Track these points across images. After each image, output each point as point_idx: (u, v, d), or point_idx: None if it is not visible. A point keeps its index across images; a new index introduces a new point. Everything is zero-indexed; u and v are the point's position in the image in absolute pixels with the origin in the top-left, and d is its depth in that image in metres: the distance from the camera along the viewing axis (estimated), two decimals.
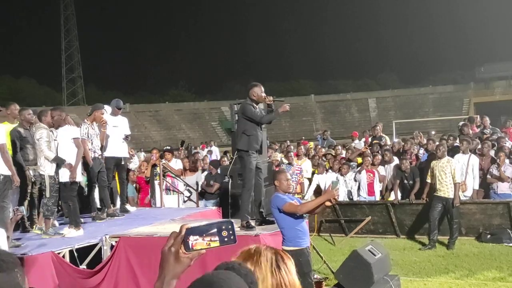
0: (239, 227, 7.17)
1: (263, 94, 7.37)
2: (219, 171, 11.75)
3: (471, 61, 74.96)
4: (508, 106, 56.43)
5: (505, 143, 12.35)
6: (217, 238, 1.58)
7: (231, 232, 1.59)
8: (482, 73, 65.64)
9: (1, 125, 7.74)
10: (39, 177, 7.71)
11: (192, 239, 1.57)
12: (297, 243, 6.04)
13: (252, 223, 7.23)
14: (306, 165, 12.93)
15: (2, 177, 7.08)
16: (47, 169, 7.64)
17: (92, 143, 8.66)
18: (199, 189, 11.55)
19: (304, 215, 8.57)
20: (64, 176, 7.90)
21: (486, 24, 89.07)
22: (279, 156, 13.53)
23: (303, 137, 33.88)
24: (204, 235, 1.58)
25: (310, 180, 12.51)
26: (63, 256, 6.86)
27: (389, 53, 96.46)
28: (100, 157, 8.80)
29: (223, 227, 1.59)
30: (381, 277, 6.79)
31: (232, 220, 1.66)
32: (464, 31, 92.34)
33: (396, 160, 12.06)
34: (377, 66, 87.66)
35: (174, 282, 1.58)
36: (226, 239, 1.58)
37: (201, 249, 1.58)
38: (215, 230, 1.59)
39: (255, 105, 7.38)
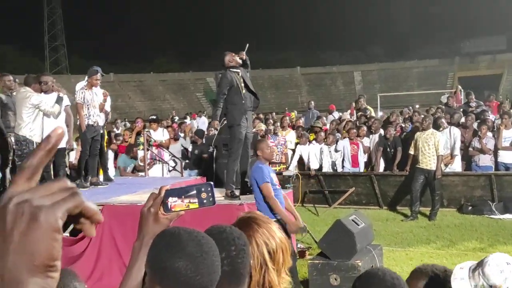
0: (223, 196, 7.18)
1: (236, 58, 7.34)
2: (204, 141, 11.71)
3: (456, 36, 75.00)
4: (492, 80, 56.78)
5: (488, 116, 12.44)
6: (196, 200, 1.57)
7: (210, 194, 1.57)
8: (467, 47, 65.80)
9: None
10: (20, 142, 7.54)
11: (171, 200, 1.56)
12: (271, 215, 6.04)
13: (237, 192, 7.23)
14: (290, 136, 12.93)
15: None
16: (35, 135, 7.52)
17: (88, 109, 8.53)
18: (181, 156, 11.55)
19: (287, 186, 8.65)
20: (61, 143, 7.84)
21: None
22: (263, 126, 13.51)
23: (286, 108, 33.90)
24: (183, 196, 1.56)
25: (293, 150, 12.52)
26: None
27: (375, 26, 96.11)
28: (94, 124, 8.65)
29: (203, 189, 1.57)
30: (364, 247, 6.84)
31: (212, 183, 1.64)
32: (450, 5, 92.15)
33: (381, 132, 12.10)
34: (364, 39, 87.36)
35: None
36: (205, 201, 1.57)
37: (180, 210, 1.57)
38: (194, 192, 1.57)
39: (236, 70, 7.33)
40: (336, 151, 12.00)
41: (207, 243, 1.63)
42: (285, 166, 12.00)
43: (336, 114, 15.61)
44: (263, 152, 6.30)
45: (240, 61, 7.35)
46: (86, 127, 8.49)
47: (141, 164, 10.98)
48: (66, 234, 7.05)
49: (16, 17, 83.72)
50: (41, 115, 7.61)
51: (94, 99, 8.65)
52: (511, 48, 63.51)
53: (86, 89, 8.58)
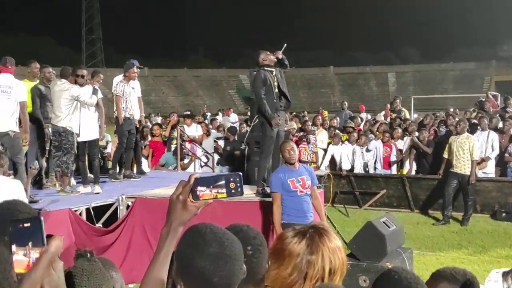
0: (254, 193, 7.21)
1: (271, 56, 7.34)
2: (236, 137, 11.77)
3: (493, 39, 73.68)
4: None
5: None
6: (224, 190, 1.60)
7: (238, 184, 1.60)
8: (505, 51, 64.57)
9: (24, 83, 7.78)
10: (58, 134, 7.67)
11: (200, 189, 1.59)
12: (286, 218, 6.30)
13: (268, 190, 7.24)
14: (322, 135, 12.87)
15: (14, 133, 7.14)
16: (74, 126, 7.66)
17: (125, 102, 8.65)
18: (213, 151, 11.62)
19: (317, 186, 8.64)
20: (93, 134, 7.99)
21: (509, 1, 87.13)
22: (295, 125, 13.45)
23: (321, 108, 33.70)
24: (212, 186, 1.59)
25: (325, 150, 12.46)
26: (80, 214, 6.96)
27: (410, 27, 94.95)
28: (131, 117, 8.78)
29: (231, 179, 1.60)
30: (394, 249, 6.79)
31: (240, 173, 1.65)
32: (486, 8, 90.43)
33: (416, 134, 11.98)
34: (398, 40, 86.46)
35: (180, 229, 1.62)
36: (233, 191, 1.60)
37: (208, 199, 1.59)
38: (223, 182, 1.60)
39: (270, 69, 7.32)
40: (367, 151, 11.92)
41: (230, 245, 1.67)
42: (315, 165, 11.97)
43: (364, 115, 15.43)
44: (283, 155, 6.43)
45: (275, 60, 7.35)
46: (123, 120, 8.62)
47: (185, 163, 11.06)
48: (99, 225, 7.20)
49: (54, 10, 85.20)
50: (79, 107, 7.74)
51: (131, 93, 8.78)
52: None
53: (124, 83, 8.72)
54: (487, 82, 61.03)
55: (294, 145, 6.60)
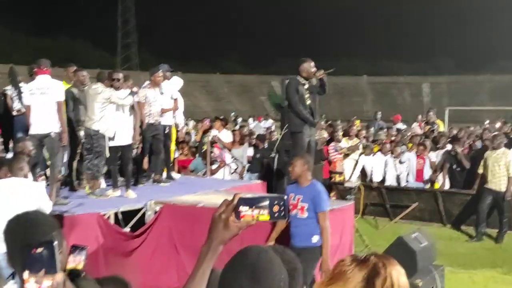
0: None
1: (313, 69, 7.21)
2: (266, 145, 11.68)
3: None
4: None
5: None
6: (267, 212, 1.58)
7: (282, 208, 1.58)
8: None
9: (61, 83, 7.85)
10: (90, 137, 7.71)
11: (243, 209, 1.58)
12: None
13: None
14: (343, 143, 12.58)
15: (55, 134, 7.20)
16: (107, 130, 7.68)
17: (150, 107, 8.64)
18: (246, 162, 11.49)
19: (347, 197, 8.46)
20: (127, 138, 8.00)
21: None
22: (325, 134, 13.26)
23: (355, 117, 33.30)
24: (255, 207, 1.58)
25: (356, 161, 12.24)
26: (108, 218, 6.96)
27: (445, 37, 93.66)
28: (155, 122, 8.76)
29: (275, 202, 1.58)
30: (426, 266, 6.62)
31: (286, 196, 1.64)
32: None
33: (448, 148, 11.72)
34: (432, 50, 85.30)
35: (220, 248, 1.62)
36: (276, 215, 1.57)
37: (251, 220, 1.59)
38: (267, 203, 1.58)
39: (304, 81, 7.22)
40: (400, 163, 11.70)
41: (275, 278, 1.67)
42: (342, 178, 11.80)
43: (401, 125, 15.11)
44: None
45: (314, 75, 7.20)
46: (147, 125, 8.60)
47: (214, 169, 11.01)
48: (127, 229, 7.20)
49: (90, 13, 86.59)
50: (113, 111, 7.77)
51: (157, 98, 8.74)
52: None
53: (149, 87, 8.70)
54: None
55: (301, 161, 5.88)
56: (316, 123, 7.40)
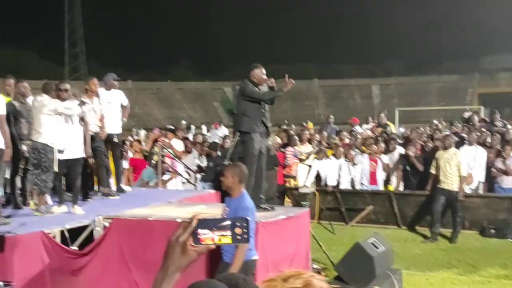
0: None
1: (264, 76, 7.05)
2: (219, 153, 11.47)
3: (476, 52, 74.24)
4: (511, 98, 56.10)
5: None
6: (229, 234, 1.46)
7: (245, 230, 1.46)
8: (487, 63, 65.08)
9: (2, 97, 7.46)
10: (38, 150, 7.32)
11: (202, 232, 1.46)
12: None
13: None
14: (306, 149, 12.57)
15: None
16: (55, 143, 7.32)
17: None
18: (196, 170, 11.28)
19: (303, 203, 8.35)
20: (77, 151, 7.63)
21: (491, 14, 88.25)
22: (278, 139, 13.16)
23: (307, 121, 33.45)
24: (215, 229, 1.46)
25: (310, 166, 12.17)
26: (54, 237, 6.61)
27: (393, 40, 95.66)
28: (94, 134, 8.41)
29: (238, 223, 1.47)
30: (383, 271, 6.55)
31: (248, 218, 1.50)
32: (469, 21, 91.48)
33: (400, 149, 11.77)
34: (381, 52, 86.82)
35: (177, 275, 1.49)
36: (238, 237, 1.46)
37: (211, 244, 1.47)
38: (228, 225, 1.46)
39: (255, 86, 7.07)
40: (353, 166, 11.68)
41: None
42: (296, 182, 11.74)
43: (358, 128, 15.13)
44: None
45: (266, 81, 7.04)
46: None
47: (166, 179, 10.76)
48: (75, 247, 6.85)
49: (36, 24, 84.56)
50: (61, 122, 7.42)
51: (96, 108, 8.41)
52: None
53: (85, 98, 8.30)
54: (471, 94, 61.50)
55: (231, 172, 5.43)
56: (269, 131, 7.21)
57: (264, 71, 7.11)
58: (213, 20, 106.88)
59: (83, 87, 8.77)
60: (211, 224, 1.47)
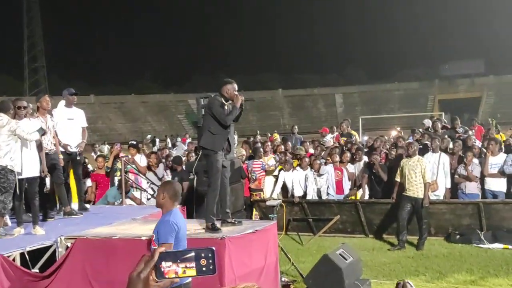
0: (203, 228, 6.81)
1: (236, 93, 6.99)
2: (184, 167, 11.32)
3: (435, 59, 75.95)
4: (471, 103, 57.50)
5: (475, 142, 12.27)
6: (194, 265, 1.41)
7: (210, 261, 1.42)
8: (447, 70, 66.63)
9: None
10: None
11: (165, 265, 1.40)
12: None
13: (218, 224, 6.85)
14: (271, 161, 12.52)
15: None
16: (17, 164, 7.06)
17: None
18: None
19: (270, 216, 8.26)
20: (33, 170, 7.38)
21: (450, 22, 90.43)
22: (243, 151, 13.06)
23: (274, 132, 33.54)
24: (179, 261, 1.41)
25: (276, 177, 12.13)
26: (13, 259, 6.38)
27: (354, 49, 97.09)
28: (50, 152, 8.17)
29: (203, 254, 1.42)
30: (352, 282, 6.52)
31: (214, 248, 1.45)
32: (428, 29, 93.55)
33: (365, 158, 11.83)
34: (343, 61, 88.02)
35: None
36: (204, 269, 1.41)
37: (175, 277, 1.41)
38: (192, 256, 1.41)
39: (224, 101, 7.00)
40: (319, 176, 11.67)
41: None
42: (263, 194, 11.68)
43: (329, 137, 15.13)
44: None
45: (237, 98, 6.97)
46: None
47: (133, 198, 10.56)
48: (36, 270, 6.62)
49: None
50: (19, 142, 7.18)
51: (49, 125, 8.16)
52: (489, 71, 64.55)
53: (36, 117, 8.05)
54: (431, 101, 62.80)
55: (161, 189, 5.37)
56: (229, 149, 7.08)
57: (236, 86, 7.06)
58: (175, 31, 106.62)
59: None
60: (174, 256, 1.42)
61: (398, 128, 26.16)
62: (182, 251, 1.43)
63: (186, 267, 1.40)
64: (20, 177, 7.26)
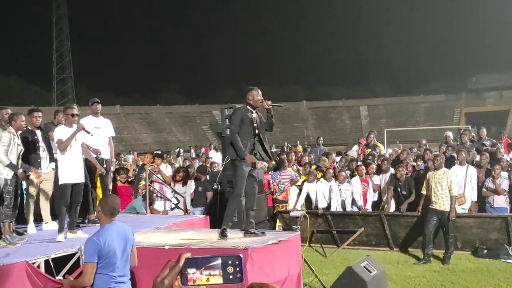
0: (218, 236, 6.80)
1: (260, 98, 6.98)
2: (208, 177, 11.32)
3: (462, 71, 75.19)
4: (498, 117, 56.57)
5: (503, 155, 12.05)
6: (220, 273, 1.37)
7: (238, 269, 1.38)
8: (474, 83, 65.84)
9: None
10: None
11: (191, 271, 1.37)
12: None
13: (228, 232, 6.82)
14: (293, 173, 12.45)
15: None
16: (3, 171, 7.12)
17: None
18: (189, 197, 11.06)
19: (294, 227, 8.19)
20: (79, 177, 7.48)
21: (478, 34, 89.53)
22: (265, 163, 12.96)
23: (296, 144, 33.45)
24: (205, 268, 1.37)
25: (300, 188, 12.05)
26: (38, 266, 6.42)
27: (381, 61, 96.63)
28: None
29: (230, 261, 1.38)
30: None
31: (241, 255, 1.41)
32: (456, 41, 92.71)
33: (391, 170, 11.69)
34: (368, 74, 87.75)
35: None
36: (231, 277, 1.37)
37: (200, 284, 1.37)
38: (219, 263, 1.37)
39: (251, 110, 6.99)
40: (345, 188, 11.57)
41: None
42: (287, 205, 11.60)
43: (355, 149, 14.97)
44: None
45: (262, 104, 6.96)
46: None
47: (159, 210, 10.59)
48: (60, 277, 6.66)
49: (25, 49, 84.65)
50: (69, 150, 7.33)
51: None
52: None
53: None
54: (457, 114, 61.98)
55: (100, 201, 5.38)
56: (244, 155, 6.99)
57: (260, 93, 7.06)
58: (202, 44, 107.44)
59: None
60: (200, 262, 1.39)
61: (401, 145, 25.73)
62: (209, 258, 1.39)
63: (210, 274, 1.37)
64: (65, 182, 7.32)
